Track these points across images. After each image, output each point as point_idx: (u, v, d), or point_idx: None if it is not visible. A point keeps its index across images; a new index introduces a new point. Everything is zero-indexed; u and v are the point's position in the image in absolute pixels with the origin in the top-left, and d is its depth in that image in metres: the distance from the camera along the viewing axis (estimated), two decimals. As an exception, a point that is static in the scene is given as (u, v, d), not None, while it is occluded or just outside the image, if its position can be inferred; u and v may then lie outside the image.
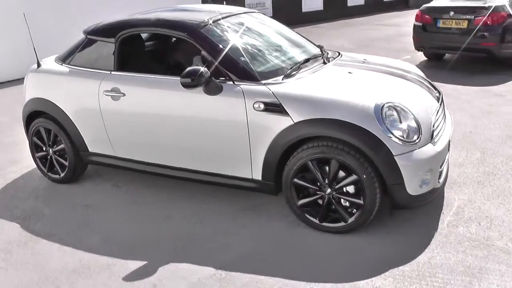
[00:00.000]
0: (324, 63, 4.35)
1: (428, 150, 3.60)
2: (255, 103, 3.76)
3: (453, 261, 3.42)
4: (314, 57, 4.45)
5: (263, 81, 3.85)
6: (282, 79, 3.90)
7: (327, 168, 3.71)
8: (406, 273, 3.31)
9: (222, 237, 3.88)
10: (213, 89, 3.87)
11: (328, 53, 4.73)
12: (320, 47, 4.87)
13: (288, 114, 3.66)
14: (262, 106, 3.74)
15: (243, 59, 4.02)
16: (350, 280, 3.27)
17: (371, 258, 3.51)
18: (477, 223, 3.88)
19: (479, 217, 3.96)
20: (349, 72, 4.19)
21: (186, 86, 3.81)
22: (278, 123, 3.72)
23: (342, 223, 3.76)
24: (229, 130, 3.91)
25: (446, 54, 10.06)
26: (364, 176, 3.54)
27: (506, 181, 4.55)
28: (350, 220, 3.73)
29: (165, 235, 3.97)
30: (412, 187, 3.58)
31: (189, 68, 3.81)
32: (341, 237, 3.77)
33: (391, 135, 3.48)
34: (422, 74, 4.73)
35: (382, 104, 3.54)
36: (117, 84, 4.36)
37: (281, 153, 3.77)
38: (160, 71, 4.54)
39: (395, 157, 3.48)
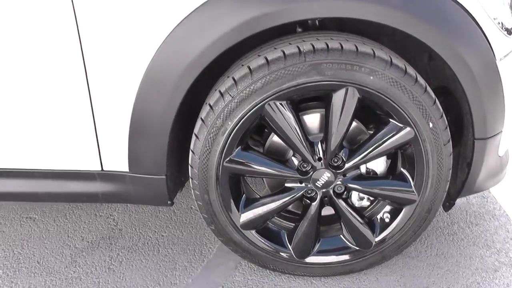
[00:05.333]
0: None
1: None
2: None
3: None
4: None
5: None
6: None
7: (308, 123, 1.41)
8: None
9: None
10: None
11: None
12: None
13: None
14: None
15: None
16: None
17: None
18: None
19: None
20: None
21: None
22: (169, 2, 1.22)
23: (353, 249, 1.52)
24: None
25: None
26: (431, 124, 1.31)
27: None
28: (380, 237, 1.50)
29: None
30: (508, 134, 1.51)
31: None
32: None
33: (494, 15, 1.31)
34: None
35: None
36: None
37: (185, 90, 1.29)
38: None
39: (497, 65, 1.33)
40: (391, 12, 1.19)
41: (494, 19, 1.31)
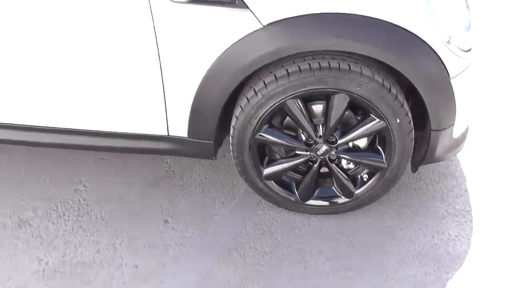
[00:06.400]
0: None
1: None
2: (171, -14, 1.73)
3: None
4: None
5: None
6: None
7: (314, 110, 2.00)
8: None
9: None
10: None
11: None
12: None
13: (249, 9, 1.74)
14: (188, -9, 1.73)
15: None
16: None
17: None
18: None
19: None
20: None
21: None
22: (226, 29, 1.79)
23: (340, 200, 2.17)
24: (111, 56, 1.87)
25: None
26: (398, 120, 1.91)
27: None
28: (360, 190, 2.14)
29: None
30: (460, 125, 2.08)
31: None
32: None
33: (448, 41, 1.84)
34: None
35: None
36: None
37: (233, 87, 1.90)
38: None
39: (451, 81, 1.88)
40: (366, 47, 1.75)
41: (448, 42, 1.83)
